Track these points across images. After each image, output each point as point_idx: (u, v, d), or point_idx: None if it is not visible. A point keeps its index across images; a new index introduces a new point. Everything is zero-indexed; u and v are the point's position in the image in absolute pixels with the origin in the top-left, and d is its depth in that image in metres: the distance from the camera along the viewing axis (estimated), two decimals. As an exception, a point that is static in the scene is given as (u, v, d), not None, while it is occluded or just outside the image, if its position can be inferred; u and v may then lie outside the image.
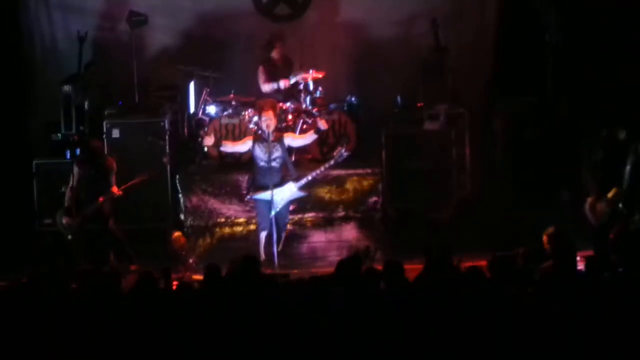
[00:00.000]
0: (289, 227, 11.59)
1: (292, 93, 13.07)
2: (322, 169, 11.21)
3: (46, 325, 6.96)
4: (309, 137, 11.36)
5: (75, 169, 11.34)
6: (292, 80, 12.79)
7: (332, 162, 11.16)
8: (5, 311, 7.13)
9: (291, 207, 11.60)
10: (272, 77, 12.95)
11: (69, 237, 11.24)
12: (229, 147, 11.49)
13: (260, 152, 10.92)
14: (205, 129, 12.99)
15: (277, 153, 10.92)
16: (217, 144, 11.36)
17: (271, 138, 10.88)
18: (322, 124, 11.20)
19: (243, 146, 11.25)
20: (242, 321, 6.93)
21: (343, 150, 11.10)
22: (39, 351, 6.82)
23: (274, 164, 10.87)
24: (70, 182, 11.30)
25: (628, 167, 10.24)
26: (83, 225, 11.20)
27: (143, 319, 7.04)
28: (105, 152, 11.87)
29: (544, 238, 8.42)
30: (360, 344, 6.77)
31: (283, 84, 12.89)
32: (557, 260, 8.06)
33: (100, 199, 11.09)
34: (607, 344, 6.74)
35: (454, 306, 6.97)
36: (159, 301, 7.40)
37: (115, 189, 11.14)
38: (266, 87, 12.96)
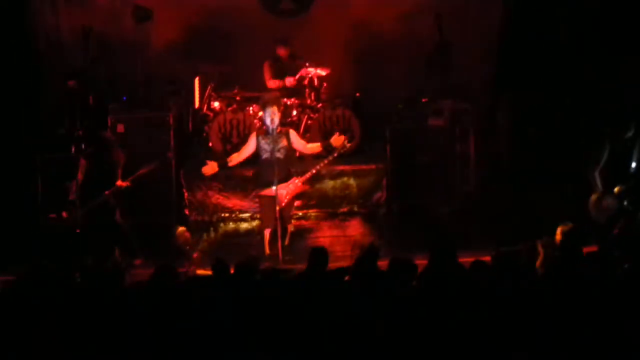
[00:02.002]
0: (293, 222, 11.56)
1: (296, 89, 13.09)
2: (326, 161, 11.19)
3: (48, 319, 6.97)
4: (313, 148, 11.29)
5: (82, 162, 11.35)
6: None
7: (335, 154, 11.13)
8: (8, 305, 7.14)
9: (296, 203, 11.61)
10: (277, 74, 13.00)
11: (75, 230, 11.25)
12: (235, 159, 11.32)
13: (264, 145, 10.91)
14: (210, 124, 13.02)
15: (282, 146, 10.90)
16: (223, 165, 11.24)
17: (275, 132, 10.86)
18: (337, 142, 11.10)
19: (248, 148, 11.16)
20: (248, 316, 6.95)
21: (345, 142, 11.07)
22: (40, 345, 6.83)
23: (278, 155, 10.83)
24: (77, 175, 11.31)
25: (634, 164, 10.23)
26: (89, 219, 11.21)
27: (147, 313, 7.06)
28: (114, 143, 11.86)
29: (559, 231, 8.46)
30: (365, 340, 6.78)
31: (289, 81, 12.93)
32: (563, 255, 8.05)
33: (107, 192, 11.09)
34: (613, 340, 6.74)
35: (460, 303, 6.99)
36: (163, 296, 7.40)
37: (119, 182, 11.13)
38: (271, 84, 13.00)
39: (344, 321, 6.86)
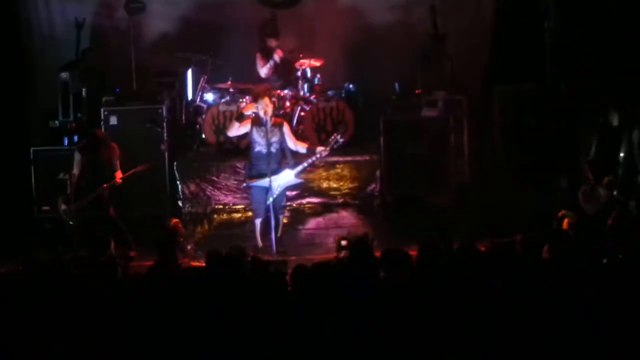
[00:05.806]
0: (286, 213, 11.55)
1: (290, 80, 13.08)
2: (319, 155, 11.15)
3: (43, 313, 6.96)
4: (301, 148, 11.26)
5: (77, 156, 11.33)
6: None
7: (328, 148, 11.12)
8: (3, 298, 7.13)
9: (289, 193, 11.58)
10: (268, 61, 12.99)
11: (70, 223, 11.24)
12: (234, 130, 11.24)
13: (257, 137, 10.87)
14: (203, 116, 13.01)
15: (275, 138, 10.88)
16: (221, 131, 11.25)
17: (269, 124, 10.83)
18: (322, 152, 11.12)
19: (244, 127, 11.09)
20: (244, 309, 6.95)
21: (339, 137, 11.07)
22: (35, 339, 6.83)
23: (271, 149, 10.81)
24: (72, 169, 11.30)
25: (622, 154, 10.21)
26: (83, 213, 11.20)
27: (141, 306, 7.05)
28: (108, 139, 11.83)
29: (565, 222, 8.49)
30: (362, 332, 6.78)
31: (277, 56, 12.90)
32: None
33: (104, 185, 11.08)
34: (608, 331, 6.74)
35: (456, 295, 6.99)
36: (159, 287, 7.40)
37: (118, 177, 11.13)
38: (264, 70, 12.96)
39: (335, 312, 6.85)
